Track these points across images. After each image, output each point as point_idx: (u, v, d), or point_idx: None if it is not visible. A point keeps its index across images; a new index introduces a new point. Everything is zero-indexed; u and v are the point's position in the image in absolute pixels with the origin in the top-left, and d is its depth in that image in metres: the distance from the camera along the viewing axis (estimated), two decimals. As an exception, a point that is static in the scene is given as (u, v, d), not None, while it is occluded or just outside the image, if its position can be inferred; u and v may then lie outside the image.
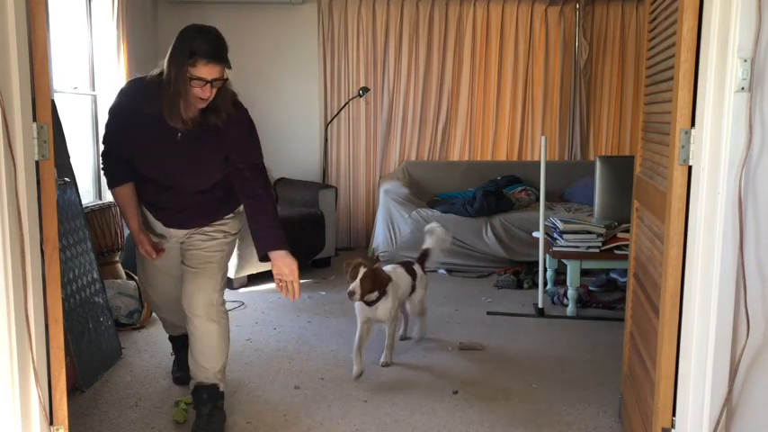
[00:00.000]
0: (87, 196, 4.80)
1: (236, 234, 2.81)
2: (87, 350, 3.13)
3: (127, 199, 2.64)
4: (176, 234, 2.73)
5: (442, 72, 6.16)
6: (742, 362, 1.79)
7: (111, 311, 3.58)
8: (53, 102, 3.17)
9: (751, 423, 1.82)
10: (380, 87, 6.15)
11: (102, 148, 2.64)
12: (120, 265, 4.25)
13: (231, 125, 2.49)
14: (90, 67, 4.89)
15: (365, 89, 5.91)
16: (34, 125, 1.90)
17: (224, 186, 2.64)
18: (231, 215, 2.76)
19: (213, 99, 2.39)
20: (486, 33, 6.16)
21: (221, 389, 2.71)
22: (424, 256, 3.86)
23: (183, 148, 2.48)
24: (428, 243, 3.90)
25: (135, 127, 2.48)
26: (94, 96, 4.92)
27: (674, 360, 1.95)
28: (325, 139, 6.11)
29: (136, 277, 4.15)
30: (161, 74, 2.38)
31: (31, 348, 1.89)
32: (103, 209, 4.15)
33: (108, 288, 3.74)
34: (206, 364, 2.66)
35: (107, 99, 4.86)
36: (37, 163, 1.91)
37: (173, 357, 3.27)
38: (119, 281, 4.04)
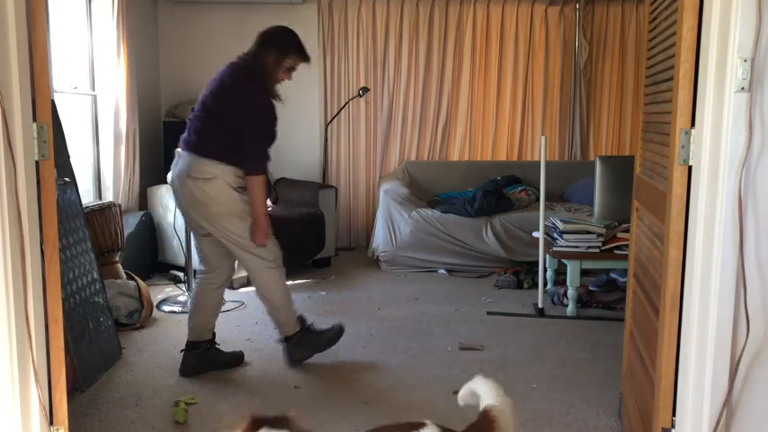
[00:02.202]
0: (87, 196, 4.81)
1: None
2: (87, 350, 3.13)
3: (265, 180, 3.20)
4: None
5: (442, 72, 6.16)
6: (742, 362, 1.79)
7: (111, 311, 3.57)
8: (53, 102, 3.17)
9: (751, 423, 1.82)
10: (380, 87, 6.16)
11: (270, 144, 3.20)
12: (120, 265, 4.25)
13: None
14: (90, 67, 4.89)
15: (365, 89, 5.91)
16: (34, 125, 1.90)
17: None
18: None
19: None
20: (486, 33, 6.16)
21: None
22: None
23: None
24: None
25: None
26: (94, 96, 4.92)
27: (674, 360, 1.95)
28: (325, 139, 6.11)
29: (136, 277, 4.16)
30: (248, 67, 3.15)
31: (31, 348, 1.89)
32: (103, 209, 4.15)
33: (108, 288, 3.74)
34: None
35: (107, 99, 4.86)
36: (37, 163, 1.91)
37: (181, 353, 3.31)
38: (119, 281, 4.04)
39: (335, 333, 3.45)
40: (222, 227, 3.16)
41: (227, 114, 3.11)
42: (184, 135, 3.22)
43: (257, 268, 3.26)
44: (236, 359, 3.41)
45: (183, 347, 3.34)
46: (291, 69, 3.24)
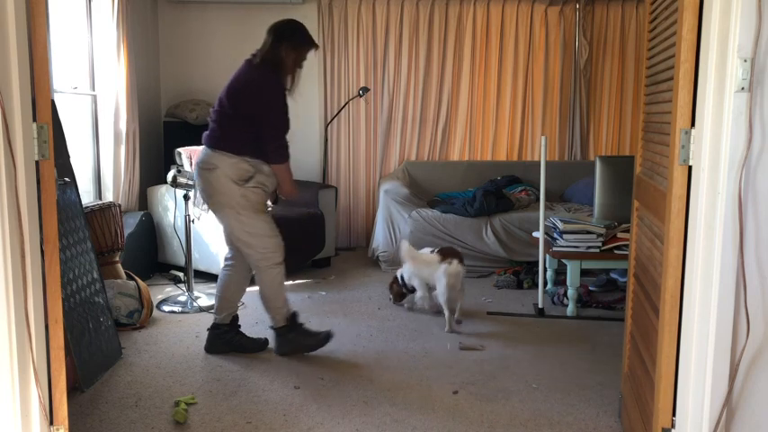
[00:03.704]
0: (87, 196, 4.81)
1: None
2: (87, 350, 3.14)
3: (289, 164, 3.42)
4: None
5: (442, 72, 6.16)
6: (742, 362, 1.79)
7: (111, 311, 3.58)
8: (53, 102, 3.17)
9: (751, 423, 1.82)
10: (380, 87, 6.15)
11: (286, 131, 3.38)
12: (120, 265, 4.25)
13: None
14: (90, 67, 4.89)
15: (365, 89, 5.91)
16: (34, 125, 1.90)
17: None
18: None
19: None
20: (486, 33, 6.16)
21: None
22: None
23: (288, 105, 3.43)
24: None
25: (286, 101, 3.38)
26: (94, 96, 4.92)
27: (674, 360, 1.95)
28: (326, 139, 6.11)
29: (136, 277, 4.16)
30: (264, 60, 3.31)
31: (31, 348, 1.89)
32: (103, 209, 4.15)
33: (108, 288, 3.74)
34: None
35: (107, 99, 4.87)
36: (37, 163, 1.91)
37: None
38: (119, 281, 4.04)
39: (322, 339, 3.54)
40: (223, 216, 3.38)
41: (242, 109, 3.31)
42: (205, 131, 3.45)
43: (253, 262, 3.45)
44: (260, 345, 3.61)
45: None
46: (305, 59, 3.43)
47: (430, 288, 4.17)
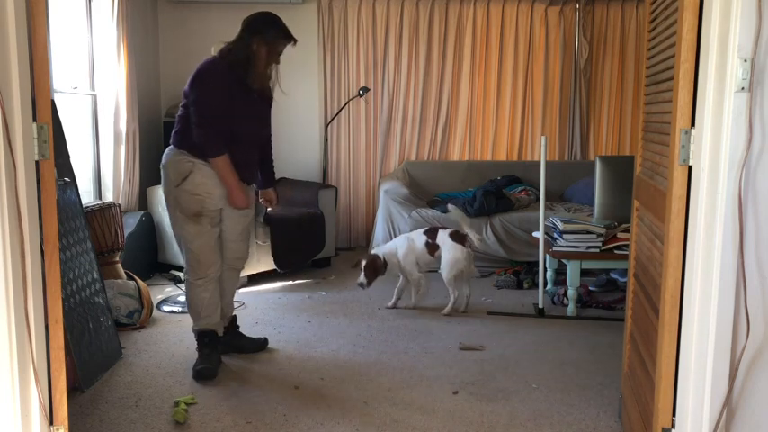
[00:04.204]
0: (87, 196, 4.81)
1: None
2: (87, 350, 3.13)
3: (227, 161, 3.16)
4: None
5: (442, 72, 6.16)
6: (742, 362, 1.79)
7: (111, 311, 3.58)
8: (53, 102, 3.17)
9: (751, 423, 1.82)
10: (380, 87, 6.16)
11: (205, 124, 3.11)
12: (120, 265, 4.25)
13: (269, 94, 3.39)
14: (90, 67, 4.89)
15: (365, 89, 5.91)
16: (34, 125, 1.90)
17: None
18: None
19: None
20: (486, 33, 6.16)
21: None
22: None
23: (258, 106, 3.32)
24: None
25: (234, 96, 3.15)
26: (94, 96, 4.92)
27: (674, 360, 1.95)
28: (326, 140, 6.11)
29: (136, 277, 4.16)
30: (230, 50, 3.18)
31: (31, 348, 1.89)
32: (103, 209, 4.15)
33: (108, 288, 3.74)
34: (231, 300, 3.55)
35: (107, 99, 4.87)
36: (37, 163, 1.91)
37: (197, 352, 3.34)
38: (119, 281, 4.04)
39: (200, 371, 3.22)
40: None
41: (185, 99, 3.23)
42: None
43: (185, 268, 3.38)
44: (259, 345, 3.61)
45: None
46: (280, 53, 3.27)
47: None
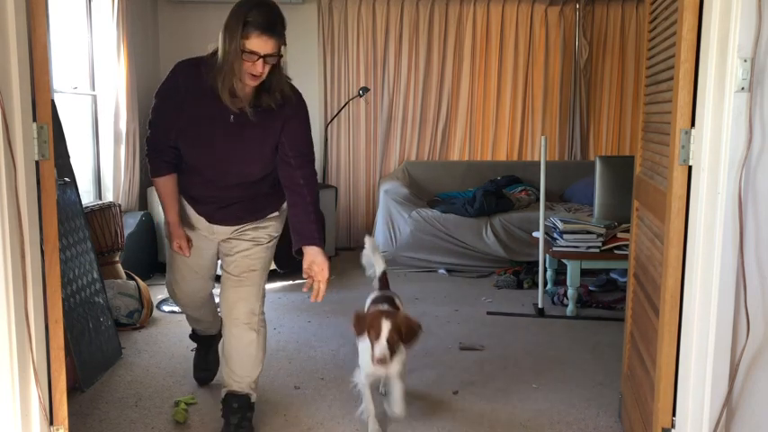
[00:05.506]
0: (87, 196, 4.81)
1: (278, 236, 2.68)
2: (87, 350, 3.14)
3: (168, 189, 2.51)
4: (219, 231, 2.59)
5: (442, 72, 6.16)
6: (742, 362, 1.79)
7: (111, 311, 3.58)
8: (53, 102, 3.17)
9: (751, 423, 1.82)
10: (380, 87, 6.15)
11: (148, 133, 2.48)
12: (120, 265, 4.25)
13: (285, 107, 2.38)
14: (90, 67, 4.89)
15: (365, 89, 5.91)
16: (34, 125, 1.90)
17: (272, 180, 2.54)
18: (276, 213, 2.64)
19: (267, 78, 2.28)
20: (487, 33, 6.16)
21: (252, 400, 2.63)
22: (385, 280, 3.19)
23: (236, 131, 2.36)
24: (380, 266, 3.26)
25: (187, 108, 2.36)
26: (94, 96, 4.92)
27: (674, 360, 1.95)
28: (326, 140, 6.11)
29: (136, 277, 4.16)
30: (214, 52, 2.29)
31: (31, 348, 1.89)
32: (103, 209, 4.15)
33: (108, 288, 3.74)
34: (241, 373, 2.58)
35: (107, 99, 4.86)
36: (37, 163, 1.91)
37: (193, 353, 3.26)
38: (119, 281, 4.04)
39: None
40: None
41: None
42: None
43: None
44: None
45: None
46: (253, 54, 2.21)
47: None
